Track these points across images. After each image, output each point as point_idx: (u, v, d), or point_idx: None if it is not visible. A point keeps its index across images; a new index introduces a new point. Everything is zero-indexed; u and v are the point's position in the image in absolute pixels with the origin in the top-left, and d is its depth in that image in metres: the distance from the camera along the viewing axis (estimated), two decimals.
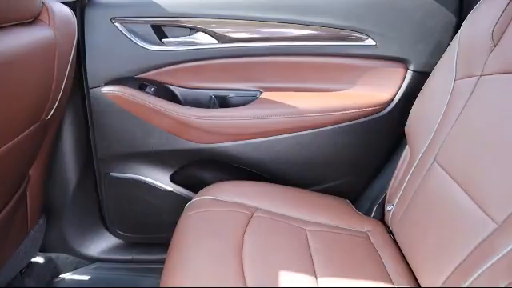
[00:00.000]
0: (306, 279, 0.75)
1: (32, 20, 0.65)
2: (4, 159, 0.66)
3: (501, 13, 0.77)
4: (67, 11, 0.75)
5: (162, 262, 0.82)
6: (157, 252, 1.19)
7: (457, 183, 0.74)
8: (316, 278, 0.76)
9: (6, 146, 0.65)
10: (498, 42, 0.76)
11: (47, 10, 0.69)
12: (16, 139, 0.67)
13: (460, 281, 0.65)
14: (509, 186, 0.63)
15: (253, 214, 0.90)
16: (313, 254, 0.82)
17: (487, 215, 0.65)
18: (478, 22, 0.82)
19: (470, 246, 0.66)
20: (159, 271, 0.98)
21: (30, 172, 0.85)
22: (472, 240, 0.66)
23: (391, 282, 0.79)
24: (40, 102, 0.70)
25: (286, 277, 0.75)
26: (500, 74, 0.73)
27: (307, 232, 0.88)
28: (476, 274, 0.63)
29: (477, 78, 0.78)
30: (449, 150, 0.80)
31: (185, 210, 0.92)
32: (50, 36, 0.67)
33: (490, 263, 0.61)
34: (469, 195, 0.70)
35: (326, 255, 0.82)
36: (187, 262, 0.76)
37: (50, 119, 0.76)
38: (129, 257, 1.21)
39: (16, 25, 0.61)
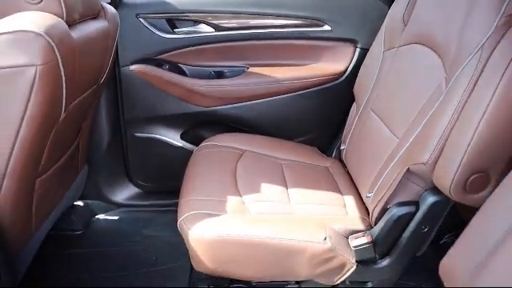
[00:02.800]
0: (280, 189, 1.15)
1: (95, 16, 1.05)
2: (74, 110, 1.04)
3: (407, 2, 1.17)
4: (113, 9, 1.14)
5: (175, 205, 1.14)
6: (170, 198, 1.57)
7: (382, 121, 1.14)
8: (287, 188, 1.16)
9: (77, 100, 1.03)
10: (406, 23, 1.16)
11: (103, 8, 1.08)
12: (83, 95, 1.06)
13: (378, 181, 1.05)
14: (407, 116, 1.02)
15: (243, 153, 1.30)
16: (286, 177, 1.22)
17: (393, 134, 1.05)
18: (395, 10, 1.23)
19: (383, 159, 1.05)
20: (172, 212, 1.38)
21: (83, 125, 1.24)
22: (386, 154, 1.05)
23: (340, 193, 1.19)
24: (99, 70, 1.09)
25: (266, 188, 1.14)
26: (407, 44, 1.14)
27: (283, 165, 1.28)
28: (384, 175, 1.02)
29: (396, 49, 1.19)
30: (379, 100, 1.20)
31: (193, 153, 1.31)
32: (105, 26, 1.06)
33: (392, 164, 1.00)
34: (387, 127, 1.10)
35: (295, 178, 1.22)
36: (197, 182, 1.15)
37: (101, 84, 1.15)
38: (147, 202, 1.61)
39: (88, 19, 1.00)
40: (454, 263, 0.58)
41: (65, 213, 1.42)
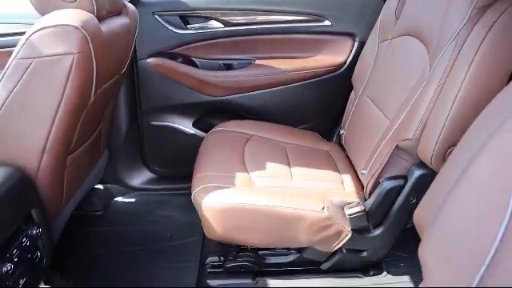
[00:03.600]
0: (283, 168, 1.28)
1: (119, 13, 1.19)
2: (100, 96, 1.19)
3: None
4: (133, 7, 1.29)
5: (187, 188, 1.27)
6: (183, 182, 1.70)
7: (376, 106, 1.27)
8: (290, 167, 1.29)
9: (103, 87, 1.18)
10: (398, 17, 1.29)
11: (125, 6, 1.23)
12: (108, 83, 1.21)
13: (371, 159, 1.18)
14: (397, 99, 1.15)
15: (250, 137, 1.44)
16: (289, 158, 1.35)
17: (385, 116, 1.18)
18: (389, 6, 1.36)
19: (377, 139, 1.18)
20: (184, 195, 1.52)
21: (105, 113, 1.39)
22: (379, 135, 1.18)
23: (339, 172, 1.32)
24: (122, 61, 1.24)
25: (270, 166, 1.28)
26: (399, 36, 1.26)
27: (286, 147, 1.42)
28: (377, 153, 1.15)
29: (389, 41, 1.32)
30: (374, 88, 1.33)
31: (205, 137, 1.46)
32: (127, 22, 1.21)
33: (383, 143, 1.13)
34: (380, 111, 1.23)
35: (297, 159, 1.36)
36: (209, 161, 1.29)
37: (122, 74, 1.30)
38: (162, 186, 1.76)
39: (113, 15, 1.15)
40: (422, 211, 0.71)
41: (87, 195, 1.57)
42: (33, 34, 0.90)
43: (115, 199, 1.71)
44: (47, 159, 0.99)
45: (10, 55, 0.94)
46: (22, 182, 0.95)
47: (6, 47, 1.29)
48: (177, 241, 1.49)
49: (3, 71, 0.94)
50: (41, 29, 0.90)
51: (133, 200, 1.72)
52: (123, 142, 1.67)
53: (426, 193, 0.72)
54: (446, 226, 0.62)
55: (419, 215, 0.73)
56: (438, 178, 0.70)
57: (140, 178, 1.76)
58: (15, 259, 0.90)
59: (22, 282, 0.92)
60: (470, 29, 0.91)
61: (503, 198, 0.51)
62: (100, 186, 1.70)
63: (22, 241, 0.93)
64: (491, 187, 0.55)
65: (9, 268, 0.86)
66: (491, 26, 0.86)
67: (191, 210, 1.41)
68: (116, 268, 1.39)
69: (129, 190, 1.74)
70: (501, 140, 0.55)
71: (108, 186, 1.72)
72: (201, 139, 1.53)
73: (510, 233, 0.50)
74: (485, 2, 0.91)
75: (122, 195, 1.73)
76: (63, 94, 0.95)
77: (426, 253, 0.65)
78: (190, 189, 1.21)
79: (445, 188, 0.65)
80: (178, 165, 1.72)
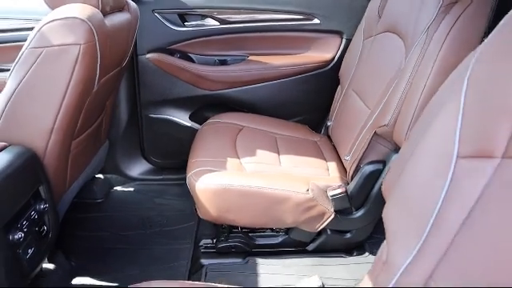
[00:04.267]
0: (273, 155, 1.39)
1: (121, 9, 1.30)
2: (103, 86, 1.29)
3: None
4: (134, 4, 1.40)
5: (183, 179, 1.36)
6: (179, 173, 1.81)
7: (359, 98, 1.38)
8: (279, 155, 1.40)
9: (106, 77, 1.28)
10: (381, 15, 1.40)
11: (127, 3, 1.34)
12: (110, 74, 1.31)
13: (354, 145, 1.28)
14: (377, 89, 1.26)
15: (242, 128, 1.54)
16: (278, 147, 1.46)
17: (367, 106, 1.29)
18: (372, 5, 1.47)
19: (359, 128, 1.29)
20: (180, 185, 1.62)
21: (107, 104, 1.50)
22: (361, 123, 1.29)
23: (325, 160, 1.42)
24: (124, 54, 1.34)
25: (261, 154, 1.38)
26: (381, 33, 1.37)
27: (276, 137, 1.52)
28: (359, 140, 1.26)
29: (373, 37, 1.43)
30: (358, 81, 1.44)
31: (200, 128, 1.56)
32: (129, 18, 1.32)
33: (364, 130, 1.24)
34: (363, 102, 1.34)
35: (286, 148, 1.46)
36: (203, 148, 1.40)
37: (124, 67, 1.41)
38: (159, 177, 1.86)
39: (116, 11, 1.26)
40: (387, 180, 0.81)
41: (88, 184, 1.67)
42: (44, 25, 1.01)
43: (115, 188, 1.81)
44: (54, 141, 1.09)
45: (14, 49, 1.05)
46: (31, 160, 1.05)
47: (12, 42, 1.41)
48: (173, 226, 1.59)
49: (16, 60, 1.05)
50: (51, 21, 1.01)
51: (131, 189, 1.82)
52: (123, 134, 1.77)
53: (392, 165, 0.82)
54: (403, 191, 0.72)
55: (385, 185, 0.83)
56: (400, 151, 0.80)
57: (138, 168, 1.86)
58: (25, 229, 1.00)
59: (30, 251, 1.02)
60: (438, 24, 1.02)
61: (446, 164, 0.61)
62: (100, 176, 1.80)
63: (30, 214, 1.03)
64: (436, 156, 0.65)
65: (20, 236, 0.96)
66: (455, 22, 0.98)
67: (187, 199, 1.53)
68: (115, 249, 1.49)
69: (127, 179, 1.84)
70: (442, 118, 0.66)
71: (108, 175, 1.83)
72: (196, 132, 1.62)
73: (451, 191, 0.61)
74: (450, 0, 1.02)
75: (121, 185, 1.83)
76: (70, 81, 1.05)
77: (388, 214, 0.75)
78: (185, 179, 1.30)
79: (404, 159, 0.76)
80: (175, 156, 1.82)
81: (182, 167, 1.58)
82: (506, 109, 0.53)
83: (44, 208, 1.08)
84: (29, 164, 1.04)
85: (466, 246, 0.56)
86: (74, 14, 1.02)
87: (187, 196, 1.37)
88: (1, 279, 0.93)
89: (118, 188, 1.82)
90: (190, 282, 1.05)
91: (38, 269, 1.14)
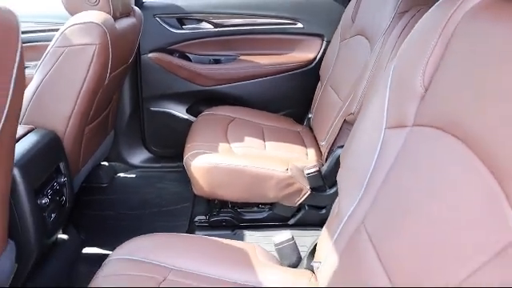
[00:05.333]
0: (259, 141, 1.62)
1: (128, 14, 1.54)
2: (112, 80, 1.52)
3: (354, 5, 1.65)
4: (139, 10, 1.64)
5: (181, 167, 1.59)
6: (177, 161, 2.03)
7: (334, 91, 1.61)
8: (264, 141, 1.63)
9: (114, 72, 1.51)
10: (354, 20, 1.64)
11: (133, 9, 1.58)
12: (118, 70, 1.54)
13: (328, 132, 1.51)
14: (347, 83, 1.49)
15: (233, 119, 1.77)
16: (264, 135, 1.69)
17: (340, 99, 1.52)
18: (347, 12, 1.71)
19: (333, 117, 1.51)
20: (178, 172, 1.85)
21: (114, 97, 1.72)
22: (334, 113, 1.52)
23: (305, 146, 1.65)
24: (130, 52, 1.58)
25: (248, 140, 1.61)
26: (354, 36, 1.60)
27: (263, 128, 1.75)
28: (332, 127, 1.49)
29: (347, 40, 1.66)
30: (334, 78, 1.67)
31: (195, 119, 1.79)
32: (134, 22, 1.56)
33: (337, 119, 1.47)
34: (337, 95, 1.57)
35: (271, 136, 1.69)
36: (198, 134, 1.63)
37: (129, 64, 1.64)
38: (159, 164, 2.09)
39: (124, 16, 1.50)
40: (343, 150, 1.04)
41: (94, 169, 1.90)
42: (66, 28, 1.24)
43: (118, 174, 2.03)
44: (72, 125, 1.32)
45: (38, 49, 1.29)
46: (54, 140, 1.28)
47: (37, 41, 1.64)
48: (170, 206, 1.82)
49: (42, 57, 1.28)
50: (73, 25, 1.24)
51: (133, 175, 2.05)
52: (126, 126, 2.00)
53: (348, 139, 1.05)
54: (350, 157, 0.95)
55: (341, 154, 1.06)
56: (352, 128, 1.03)
57: (139, 156, 2.09)
58: (49, 197, 1.22)
59: (53, 216, 1.24)
60: (393, 28, 1.25)
61: (378, 134, 0.84)
62: (105, 163, 2.02)
63: (53, 185, 1.26)
64: (370, 129, 0.88)
65: (46, 201, 1.19)
66: (405, 27, 1.21)
67: (183, 184, 1.76)
68: (119, 226, 1.71)
69: (130, 167, 2.07)
70: (376, 100, 0.88)
71: (112, 163, 2.05)
72: (192, 123, 1.85)
73: (379, 160, 0.83)
74: (404, 9, 1.26)
75: (124, 171, 2.05)
76: (87, 75, 1.28)
77: (340, 176, 0.98)
78: (183, 166, 1.53)
79: (351, 134, 0.99)
80: (173, 146, 2.04)
81: (179, 156, 1.79)
82: (413, 88, 0.76)
83: (63, 181, 1.30)
84: (51, 144, 1.27)
85: (383, 199, 0.79)
86: (90, 19, 1.26)
87: (183, 181, 1.59)
88: (30, 236, 1.15)
89: (121, 174, 2.04)
90: (189, 234, 1.26)
91: (57, 234, 1.36)
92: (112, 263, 0.99)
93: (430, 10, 0.78)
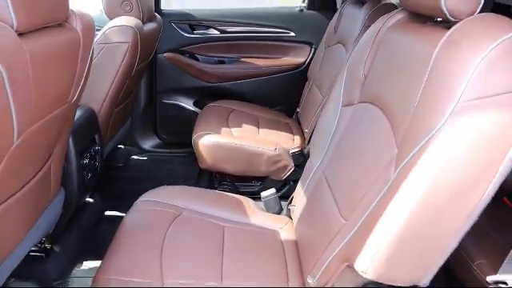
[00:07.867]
0: (254, 128, 2.01)
1: (151, 19, 1.94)
2: (136, 73, 1.91)
3: (336, 18, 2.05)
4: (159, 16, 2.05)
5: (186, 152, 2.02)
6: (183, 147, 2.42)
7: (317, 88, 2.00)
8: (258, 129, 2.01)
9: (139, 66, 1.91)
10: (336, 30, 2.04)
11: (155, 16, 1.98)
12: (142, 64, 1.94)
13: (311, 121, 1.91)
14: (328, 81, 1.89)
15: (233, 110, 2.16)
16: (259, 124, 2.07)
17: (321, 95, 1.91)
18: (331, 24, 2.11)
19: (315, 109, 1.91)
20: (185, 157, 2.24)
21: (134, 89, 2.12)
22: (316, 106, 1.91)
23: (292, 134, 2.04)
24: (151, 51, 1.98)
25: (245, 126, 2.00)
26: (335, 44, 2.01)
27: (258, 118, 2.14)
28: (314, 116, 1.89)
29: (330, 47, 2.06)
30: (319, 78, 2.07)
31: (202, 110, 2.18)
32: (156, 26, 1.96)
33: (318, 109, 1.86)
34: (319, 91, 1.96)
35: (264, 125, 2.08)
36: (204, 122, 2.01)
37: (150, 61, 2.04)
38: (167, 150, 2.47)
39: (148, 21, 1.90)
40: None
41: (113, 151, 2.28)
42: (107, 29, 1.65)
43: (132, 157, 2.43)
44: (105, 105, 1.72)
45: None
46: (92, 117, 1.67)
47: None
48: (178, 183, 2.19)
49: None
50: (112, 27, 1.65)
51: (145, 158, 2.44)
52: (141, 115, 2.40)
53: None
54: (318, 125, 1.34)
55: (315, 127, 1.44)
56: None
57: (151, 142, 2.49)
58: (88, 159, 1.60)
59: (89, 175, 1.62)
60: (361, 37, 1.65)
61: (337, 110, 1.23)
62: (122, 146, 2.41)
63: (90, 151, 1.64)
64: (332, 107, 1.27)
65: (86, 162, 1.57)
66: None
67: (189, 166, 2.14)
68: (135, 195, 2.08)
69: (142, 151, 2.46)
70: (337, 85, 1.28)
71: (127, 147, 2.44)
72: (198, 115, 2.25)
73: (337, 128, 1.23)
74: (369, 23, 1.65)
75: (138, 154, 2.45)
76: (120, 66, 1.68)
77: (312, 142, 1.37)
78: (189, 152, 1.90)
79: (322, 113, 1.38)
80: (181, 134, 2.43)
81: (185, 143, 2.20)
82: (358, 77, 1.15)
83: (97, 149, 1.69)
84: (90, 119, 1.66)
85: (336, 154, 1.18)
86: (125, 23, 1.66)
87: (189, 164, 1.96)
88: (74, 188, 1.53)
89: (135, 156, 2.44)
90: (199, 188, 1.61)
91: (89, 194, 1.74)
92: (140, 203, 1.37)
93: (370, 27, 1.18)
